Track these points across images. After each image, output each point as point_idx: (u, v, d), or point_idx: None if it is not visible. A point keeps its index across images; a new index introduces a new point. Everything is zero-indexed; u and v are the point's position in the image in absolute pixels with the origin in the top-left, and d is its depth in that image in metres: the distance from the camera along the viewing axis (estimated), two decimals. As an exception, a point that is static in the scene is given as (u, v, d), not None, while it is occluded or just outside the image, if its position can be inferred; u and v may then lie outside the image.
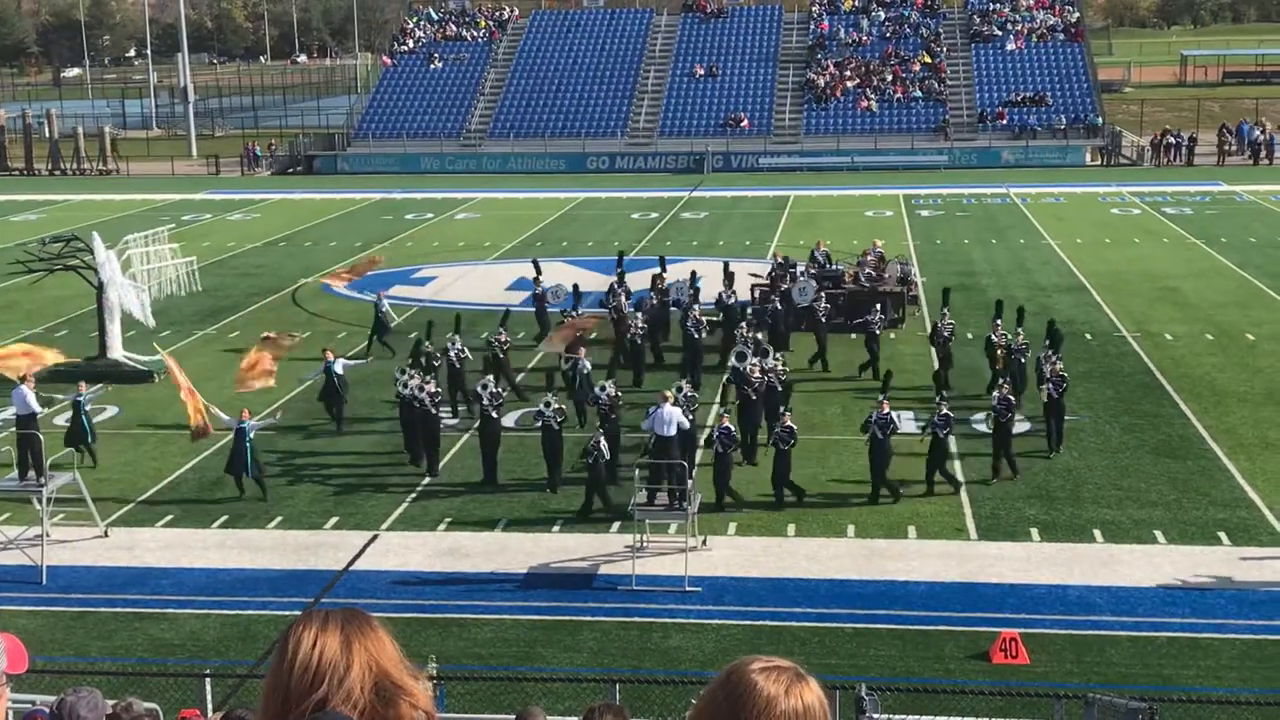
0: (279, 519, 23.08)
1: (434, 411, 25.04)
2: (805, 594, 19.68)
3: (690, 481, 20.99)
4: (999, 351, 28.51)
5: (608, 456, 23.15)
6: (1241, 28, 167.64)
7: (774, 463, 23.15)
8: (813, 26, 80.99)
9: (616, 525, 22.30)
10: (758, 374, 25.80)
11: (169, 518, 23.29)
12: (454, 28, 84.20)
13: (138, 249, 33.73)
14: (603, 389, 24.84)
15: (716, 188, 64.91)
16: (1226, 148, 70.70)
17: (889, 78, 75.33)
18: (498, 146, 74.72)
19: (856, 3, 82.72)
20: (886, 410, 23.24)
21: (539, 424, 24.40)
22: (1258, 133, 71.59)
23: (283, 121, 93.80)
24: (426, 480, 24.72)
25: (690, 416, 23.93)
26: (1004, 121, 72.17)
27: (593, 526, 22.42)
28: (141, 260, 33.63)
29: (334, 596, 19.87)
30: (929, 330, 30.16)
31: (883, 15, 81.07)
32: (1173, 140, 71.40)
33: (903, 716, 14.81)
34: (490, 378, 25.33)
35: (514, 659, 17.85)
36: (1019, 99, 73.20)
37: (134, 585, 20.62)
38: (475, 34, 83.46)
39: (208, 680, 15.91)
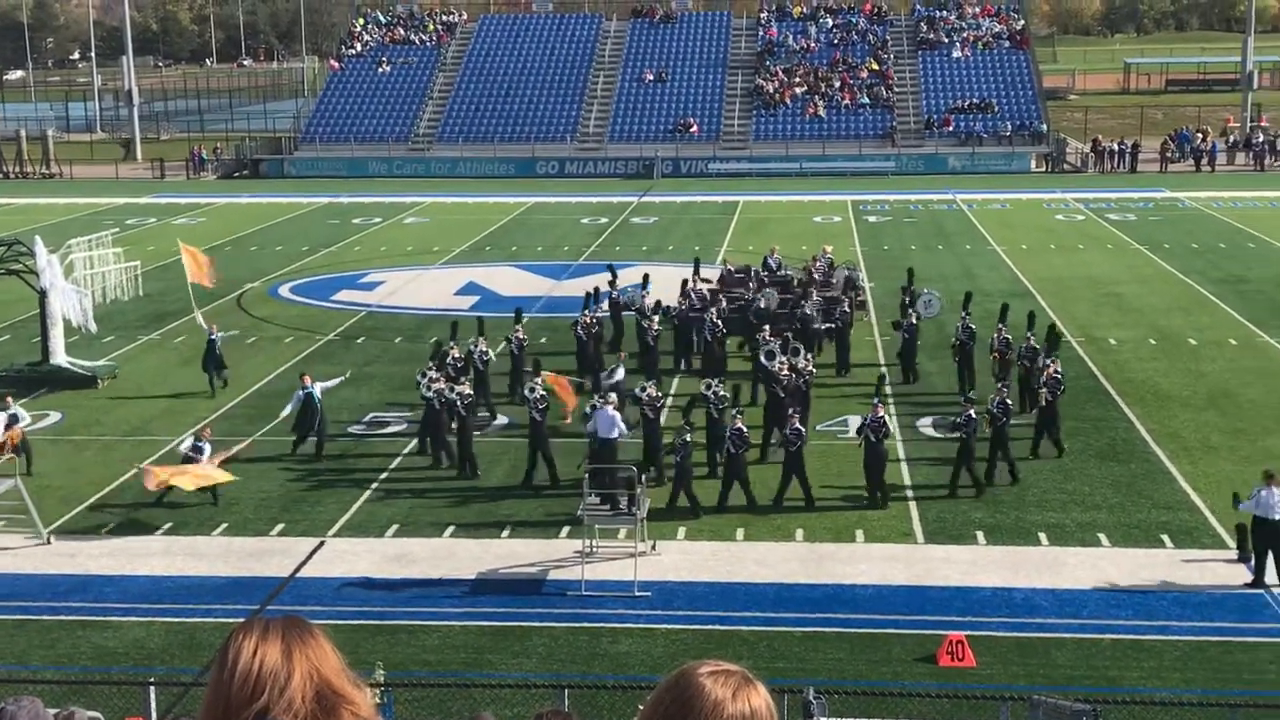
0: (224, 525, 22.89)
1: (465, 414, 24.95)
2: (754, 598, 19.72)
3: (640, 487, 20.99)
4: (992, 355, 28.98)
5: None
6: (1184, 36, 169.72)
7: (784, 463, 23.25)
8: (761, 33, 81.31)
9: (565, 530, 22.27)
10: (786, 371, 26.07)
11: (113, 524, 23.04)
12: (402, 31, 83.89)
13: (80, 253, 33.37)
14: (643, 389, 24.94)
15: (666, 193, 65.00)
16: (1169, 154, 71.50)
17: (837, 84, 75.72)
18: (446, 151, 74.49)
19: (805, 9, 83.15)
20: (880, 414, 23.38)
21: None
22: (1198, 139, 72.44)
23: (229, 125, 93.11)
24: (411, 479, 24.60)
25: (653, 416, 24.21)
26: (950, 128, 72.71)
27: (541, 532, 22.37)
28: (84, 265, 33.27)
29: (280, 603, 19.65)
30: (956, 336, 30.31)
31: (831, 22, 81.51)
32: (1112, 148, 72.11)
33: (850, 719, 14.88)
34: (539, 380, 25.19)
35: (462, 665, 17.77)
36: (965, 106, 73.77)
37: (77, 592, 20.38)
38: (423, 38, 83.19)
39: (152, 688, 15.73)
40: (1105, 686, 16.75)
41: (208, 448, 23.87)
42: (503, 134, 74.80)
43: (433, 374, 26.15)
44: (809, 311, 31.93)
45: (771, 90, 75.63)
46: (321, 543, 22.04)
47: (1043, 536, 21.78)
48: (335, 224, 56.90)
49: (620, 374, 27.62)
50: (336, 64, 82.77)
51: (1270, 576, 19.76)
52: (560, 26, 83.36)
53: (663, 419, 25.39)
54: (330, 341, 35.74)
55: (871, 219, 55.80)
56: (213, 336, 30.31)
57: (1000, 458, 23.95)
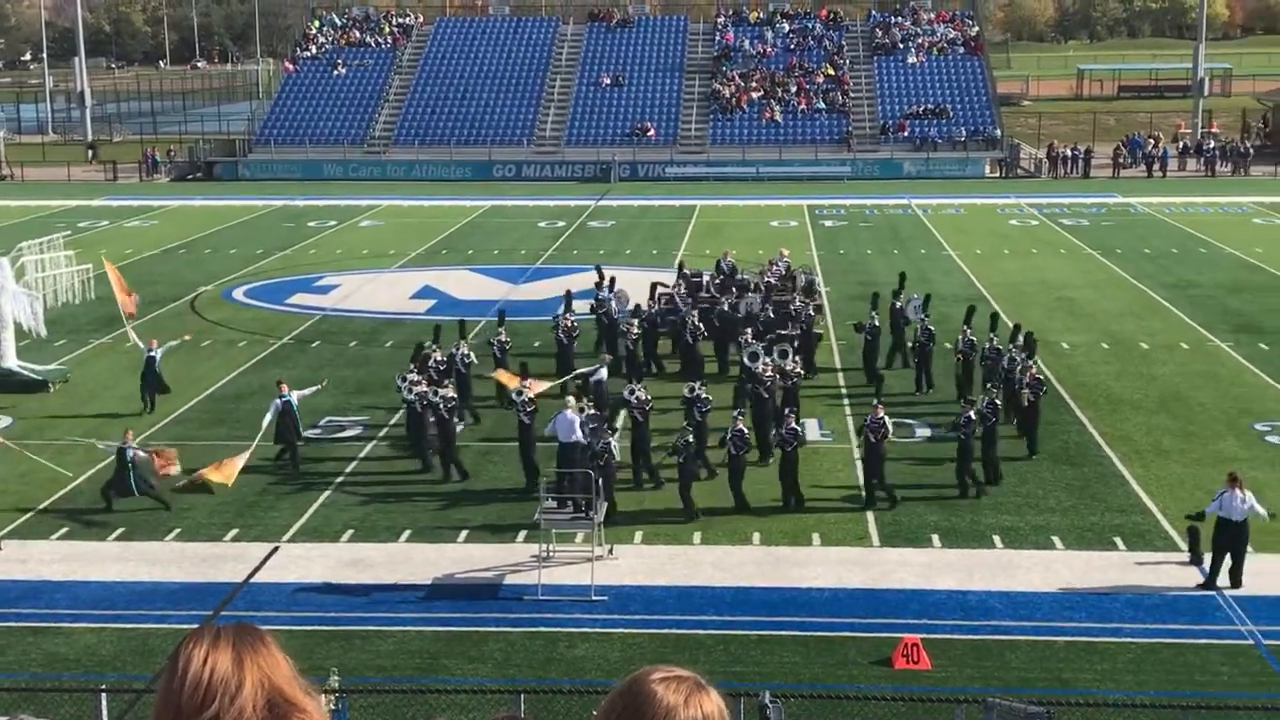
0: (177, 531, 22.70)
1: (448, 417, 24.86)
2: (711, 601, 19.74)
3: (596, 489, 20.97)
4: (955, 356, 29.40)
5: (617, 458, 23.14)
6: (1136, 42, 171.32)
7: (780, 464, 23.35)
8: (718, 38, 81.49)
9: (522, 535, 22.22)
10: (770, 373, 26.23)
11: (64, 530, 22.81)
12: (358, 34, 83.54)
13: (32, 256, 33.04)
14: (631, 392, 24.94)
15: (623, 196, 65.03)
16: (1122, 160, 72.17)
17: (793, 89, 75.99)
18: (402, 154, 74.24)
19: (761, 14, 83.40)
20: (880, 415, 23.52)
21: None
22: (1150, 145, 73.14)
23: (182, 127, 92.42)
24: (433, 481, 24.43)
25: (642, 419, 24.29)
26: (905, 133, 73.09)
27: (498, 536, 22.32)
28: (36, 268, 32.94)
29: (234, 609, 19.57)
30: (915, 338, 30.58)
31: (787, 27, 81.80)
32: (1066, 154, 72.74)
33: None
34: (526, 383, 25.13)
35: (417, 671, 17.70)
36: (920, 111, 74.19)
37: (28, 599, 20.15)
38: (379, 40, 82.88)
39: (103, 696, 15.60)
40: (1059, 688, 16.87)
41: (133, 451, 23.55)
42: (459, 137, 74.62)
43: (413, 376, 26.10)
44: (742, 309, 32.28)
45: (728, 95, 75.81)
46: (276, 548, 21.93)
47: (997, 539, 21.92)
48: (290, 227, 56.58)
49: (603, 374, 27.69)
50: (291, 66, 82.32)
51: (1222, 579, 19.95)
52: (517, 30, 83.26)
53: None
54: (285, 345, 35.54)
55: (828, 223, 56.00)
56: (152, 353, 29.17)
57: (989, 458, 24.23)
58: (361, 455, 26.29)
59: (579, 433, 23.14)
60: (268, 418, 25.67)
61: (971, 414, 23.77)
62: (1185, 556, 20.78)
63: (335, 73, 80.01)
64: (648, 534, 22.32)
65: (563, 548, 21.37)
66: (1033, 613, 19.24)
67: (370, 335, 36.66)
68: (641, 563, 21.17)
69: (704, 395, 25.15)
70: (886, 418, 23.59)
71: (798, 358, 28.36)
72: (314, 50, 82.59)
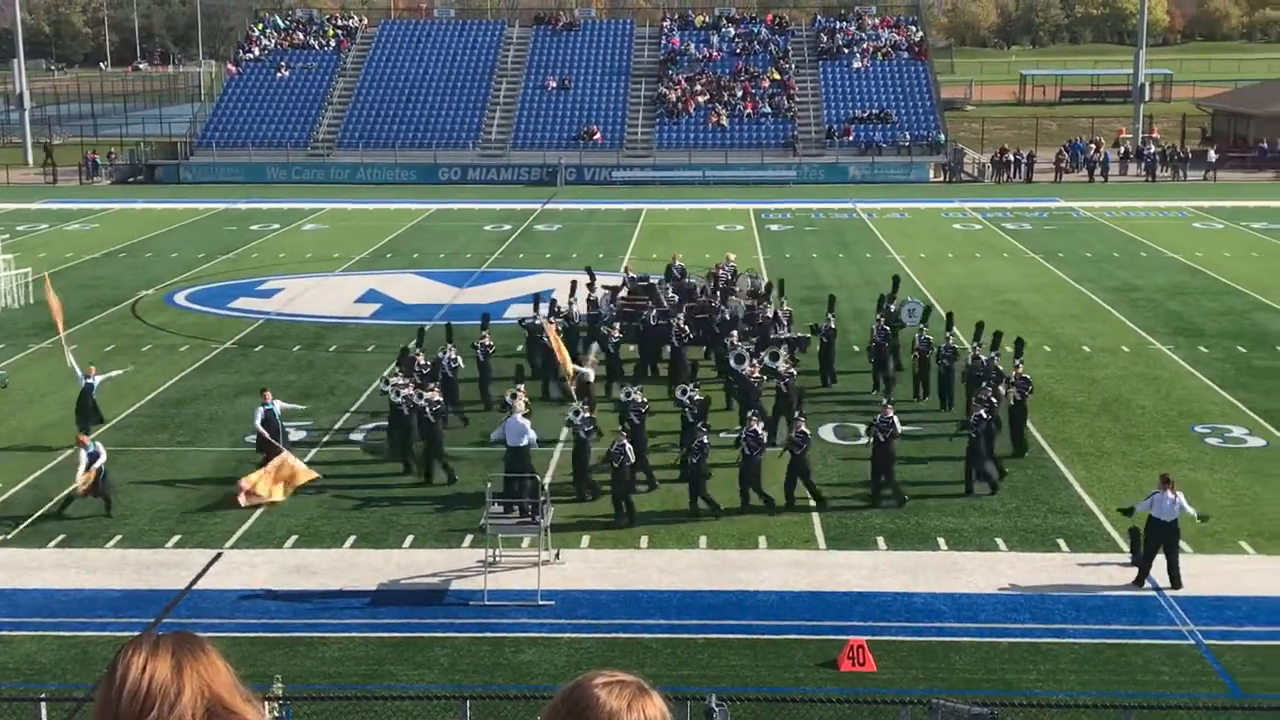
0: (118, 537, 22.44)
1: (433, 420, 24.82)
2: (658, 605, 19.74)
3: (544, 495, 20.93)
4: (913, 354, 29.82)
5: (632, 460, 23.15)
6: (1078, 48, 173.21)
7: (787, 467, 23.43)
8: (664, 41, 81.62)
9: (468, 539, 22.14)
10: (756, 374, 26.50)
11: (3, 537, 22.49)
12: (301, 36, 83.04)
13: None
14: (629, 395, 24.98)
15: (570, 200, 64.99)
16: (1063, 165, 72.90)
17: (739, 93, 76.22)
18: (346, 157, 73.84)
19: (707, 19, 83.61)
20: (890, 414, 23.72)
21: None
22: (1091, 150, 73.94)
23: (123, 130, 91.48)
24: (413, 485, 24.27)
25: (639, 422, 24.34)
26: (850, 138, 73.48)
27: (443, 541, 22.23)
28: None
29: (177, 616, 19.38)
30: (872, 338, 31.03)
31: (733, 32, 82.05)
32: (1012, 158, 73.41)
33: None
34: (521, 387, 25.18)
35: (362, 677, 17.59)
36: (865, 116, 74.62)
37: (-36, 608, 19.85)
38: (323, 42, 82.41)
39: (43, 705, 15.40)
40: (1003, 689, 16.99)
41: (87, 453, 23.25)
42: (404, 140, 74.33)
43: (398, 380, 26.06)
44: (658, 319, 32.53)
45: (674, 99, 75.95)
46: (218, 554, 21.74)
47: (942, 541, 22.06)
48: (232, 230, 56.14)
49: (590, 375, 27.74)
50: (234, 68, 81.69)
51: (1163, 580, 20.17)
52: (462, 33, 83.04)
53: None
54: (227, 350, 35.24)
55: (774, 227, 56.21)
56: (90, 380, 27.31)
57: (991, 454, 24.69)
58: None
59: (530, 436, 23.12)
60: (257, 424, 25.21)
61: (983, 413, 24.18)
62: (1127, 557, 21.00)
63: (278, 75, 79.48)
64: (594, 538, 22.30)
65: (509, 552, 21.32)
66: (977, 614, 19.38)
67: (314, 339, 36.43)
68: (588, 567, 21.14)
69: (698, 398, 25.27)
70: (896, 417, 23.87)
71: (791, 358, 28.50)
72: (257, 52, 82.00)
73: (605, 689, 2.89)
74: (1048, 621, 19.13)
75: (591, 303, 33.90)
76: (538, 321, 31.57)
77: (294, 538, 22.41)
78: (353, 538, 22.40)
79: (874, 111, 74.76)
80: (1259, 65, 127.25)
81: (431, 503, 23.95)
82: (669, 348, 31.29)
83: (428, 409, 24.91)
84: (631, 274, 37.96)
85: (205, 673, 2.96)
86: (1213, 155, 73.10)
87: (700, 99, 76.01)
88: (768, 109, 75.17)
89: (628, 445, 23.00)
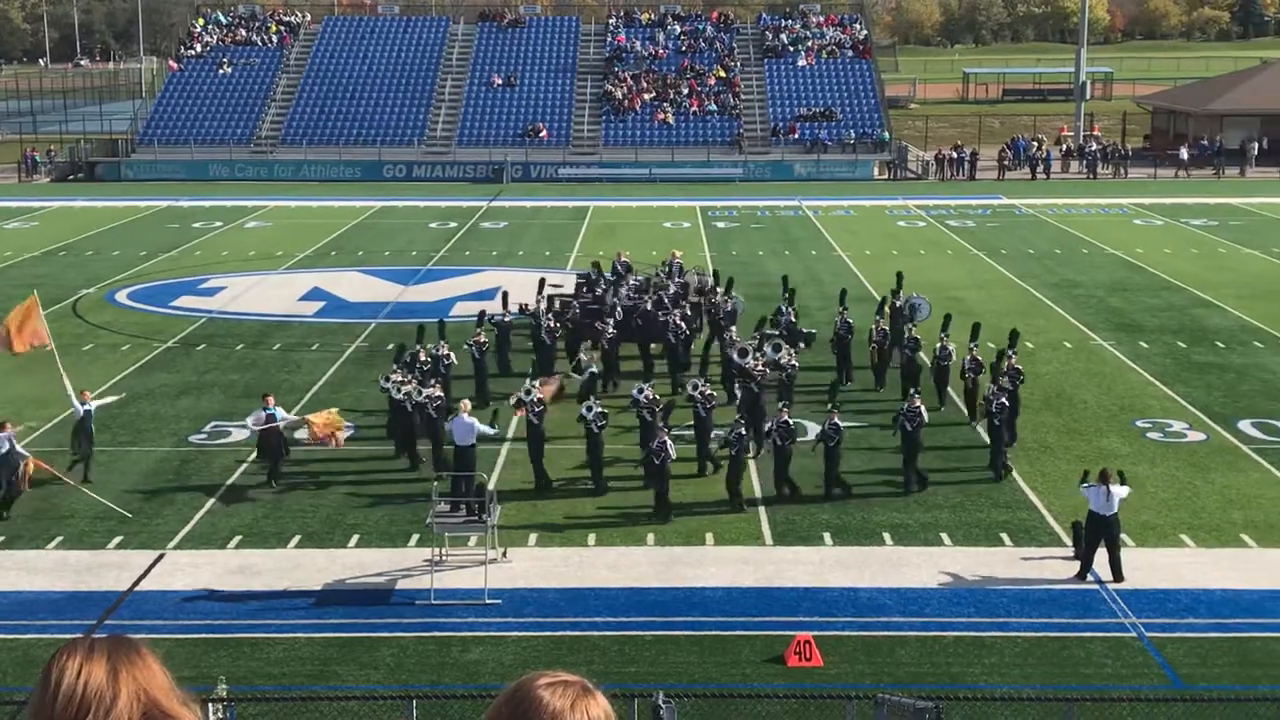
0: (59, 539, 22.18)
1: (435, 416, 24.86)
2: (605, 603, 19.73)
3: (489, 492, 20.86)
4: (870, 346, 30.65)
5: (674, 456, 23.17)
6: (1020, 47, 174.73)
7: (774, 459, 23.72)
8: (610, 39, 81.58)
9: (415, 539, 22.04)
10: (760, 368, 26.73)
11: (-61, 540, 22.17)
12: (244, 32, 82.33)
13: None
14: (640, 391, 25.05)
15: (516, 197, 64.85)
16: (1006, 163, 73.49)
17: (685, 91, 76.31)
18: (290, 154, 73.30)
19: (653, 16, 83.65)
20: (917, 404, 24.28)
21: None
22: (1034, 148, 74.60)
23: (63, 127, 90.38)
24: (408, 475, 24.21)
25: (651, 419, 24.48)
26: (796, 136, 73.75)
27: (389, 541, 22.11)
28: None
29: (119, 618, 19.16)
30: (835, 330, 31.38)
31: (678, 29, 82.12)
32: (952, 156, 73.93)
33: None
34: (536, 383, 25.07)
35: (308, 678, 17.47)
36: (810, 114, 74.91)
37: (-100, 612, 19.56)
38: (266, 39, 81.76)
39: (-19, 710, 15.19)
40: (948, 683, 17.11)
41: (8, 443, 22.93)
42: (348, 137, 73.89)
43: (397, 377, 26.03)
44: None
45: (620, 96, 75.93)
46: (161, 555, 21.53)
47: (887, 537, 22.18)
48: (175, 228, 55.62)
49: (594, 370, 27.80)
50: (176, 65, 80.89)
51: (1105, 574, 20.39)
52: (406, 29, 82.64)
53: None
54: (170, 349, 34.90)
55: (720, 225, 56.33)
56: (87, 407, 25.19)
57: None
58: (250, 460, 25.88)
59: (483, 430, 23.11)
60: (250, 426, 24.83)
61: (1004, 400, 24.91)
62: (1069, 551, 21.20)
63: (221, 72, 78.79)
64: (542, 536, 22.26)
65: (455, 551, 21.25)
66: (922, 608, 19.50)
67: (258, 338, 36.15)
68: (535, 565, 21.10)
69: (709, 392, 25.46)
70: (923, 407, 24.35)
71: (791, 350, 28.66)
72: (199, 49, 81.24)
73: (548, 689, 2.87)
74: (992, 615, 19.29)
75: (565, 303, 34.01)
76: (506, 319, 31.74)
77: (238, 538, 22.23)
78: (297, 537, 22.24)
79: (819, 110, 75.07)
80: (1198, 63, 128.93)
81: (377, 502, 23.82)
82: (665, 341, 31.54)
83: (429, 405, 24.89)
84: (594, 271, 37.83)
85: (141, 676, 2.92)
86: (1185, 154, 73.67)
87: (646, 96, 76.04)
88: (713, 107, 75.31)
89: (669, 442, 23.05)
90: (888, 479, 24.65)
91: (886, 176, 72.95)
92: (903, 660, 17.96)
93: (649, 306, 32.63)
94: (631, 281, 35.10)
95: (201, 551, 21.71)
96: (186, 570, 20.96)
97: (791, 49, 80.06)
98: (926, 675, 17.46)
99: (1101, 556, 20.38)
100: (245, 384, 31.28)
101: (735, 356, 28.24)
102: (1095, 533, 20.36)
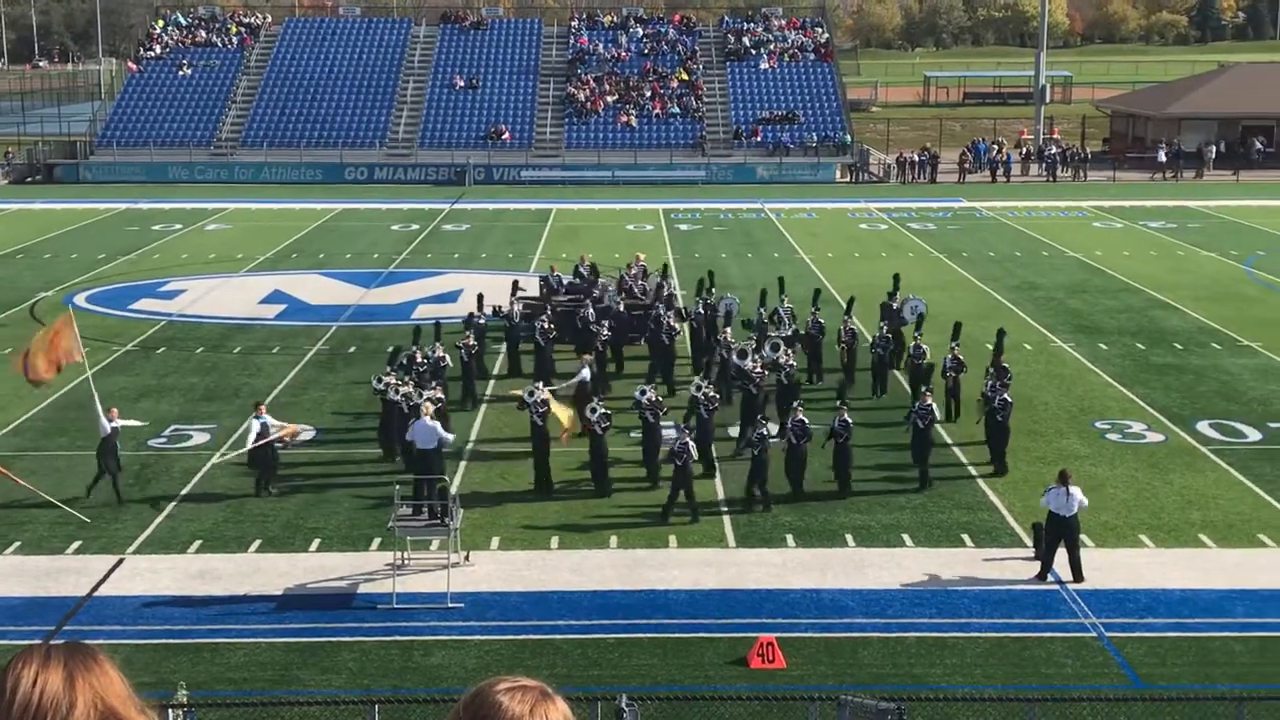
0: (17, 544, 21.97)
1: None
2: (568, 606, 19.71)
3: (453, 498, 20.81)
4: (839, 345, 31.08)
5: (695, 456, 23.21)
6: (980, 50, 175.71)
7: (789, 458, 23.82)
8: (572, 41, 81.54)
9: (376, 542, 21.95)
10: (759, 369, 26.90)
11: (-106, 546, 21.93)
12: (204, 33, 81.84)
13: None
14: (642, 393, 25.08)
15: (478, 200, 64.71)
16: (966, 166, 73.87)
17: (648, 94, 76.35)
18: (250, 156, 72.90)
19: (615, 19, 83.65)
20: (929, 402, 24.67)
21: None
22: (994, 151, 75.02)
23: (21, 128, 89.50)
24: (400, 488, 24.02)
25: (654, 420, 24.59)
26: (758, 138, 73.90)
27: (351, 545, 22.02)
28: None
29: (78, 623, 18.99)
30: (806, 329, 31.68)
31: (641, 32, 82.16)
32: (917, 159, 74.29)
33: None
34: (539, 384, 25.16)
35: (269, 683, 17.36)
36: (772, 117, 75.08)
37: None
38: (226, 40, 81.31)
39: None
40: (910, 684, 17.17)
41: None
42: (309, 139, 73.54)
43: (390, 379, 25.89)
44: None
45: (583, 98, 75.90)
46: (120, 560, 21.36)
47: (849, 538, 22.24)
48: (134, 231, 55.22)
49: (585, 374, 27.79)
50: (135, 66, 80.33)
51: (1065, 574, 20.52)
52: (368, 31, 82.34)
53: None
54: (129, 352, 34.65)
55: (683, 227, 56.39)
56: (115, 425, 24.10)
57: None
58: (210, 464, 25.71)
59: (444, 437, 23.04)
60: (251, 436, 24.27)
61: (1008, 396, 25.41)
62: (1030, 552, 21.32)
63: (180, 73, 78.29)
64: (504, 539, 22.22)
65: (418, 555, 21.17)
66: (884, 609, 19.57)
67: (218, 341, 35.93)
68: (498, 568, 21.05)
69: (713, 394, 25.56)
70: (934, 404, 24.77)
71: (789, 351, 28.71)
72: (158, 50, 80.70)
73: (507, 694, 2.86)
74: (953, 616, 19.37)
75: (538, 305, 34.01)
76: (482, 321, 31.88)
77: (198, 543, 22.08)
78: (258, 542, 22.12)
79: (781, 113, 75.27)
80: (1156, 67, 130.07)
81: (339, 506, 23.71)
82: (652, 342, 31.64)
83: (431, 406, 24.78)
84: (556, 272, 37.83)
85: (98, 684, 2.89)
86: (1163, 155, 73.84)
87: (609, 99, 76.04)
88: (676, 109, 75.40)
89: (691, 443, 23.08)
90: (851, 482, 24.71)
91: (848, 179, 73.19)
92: (865, 661, 18.02)
93: (621, 308, 32.87)
94: (603, 282, 35.25)
95: (161, 556, 21.56)
96: (146, 575, 20.80)
97: (753, 52, 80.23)
98: (888, 676, 17.52)
99: (1062, 557, 20.52)
100: (205, 387, 31.09)
101: (735, 358, 28.37)
102: (1055, 533, 20.50)
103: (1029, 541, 21.60)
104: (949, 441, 27.18)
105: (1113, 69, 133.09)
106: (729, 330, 30.97)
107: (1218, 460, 26.17)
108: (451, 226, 56.64)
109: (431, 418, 23.07)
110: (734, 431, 26.65)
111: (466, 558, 21.14)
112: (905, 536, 22.31)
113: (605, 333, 31.42)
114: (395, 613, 19.42)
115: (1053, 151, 75.09)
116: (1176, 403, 30.06)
